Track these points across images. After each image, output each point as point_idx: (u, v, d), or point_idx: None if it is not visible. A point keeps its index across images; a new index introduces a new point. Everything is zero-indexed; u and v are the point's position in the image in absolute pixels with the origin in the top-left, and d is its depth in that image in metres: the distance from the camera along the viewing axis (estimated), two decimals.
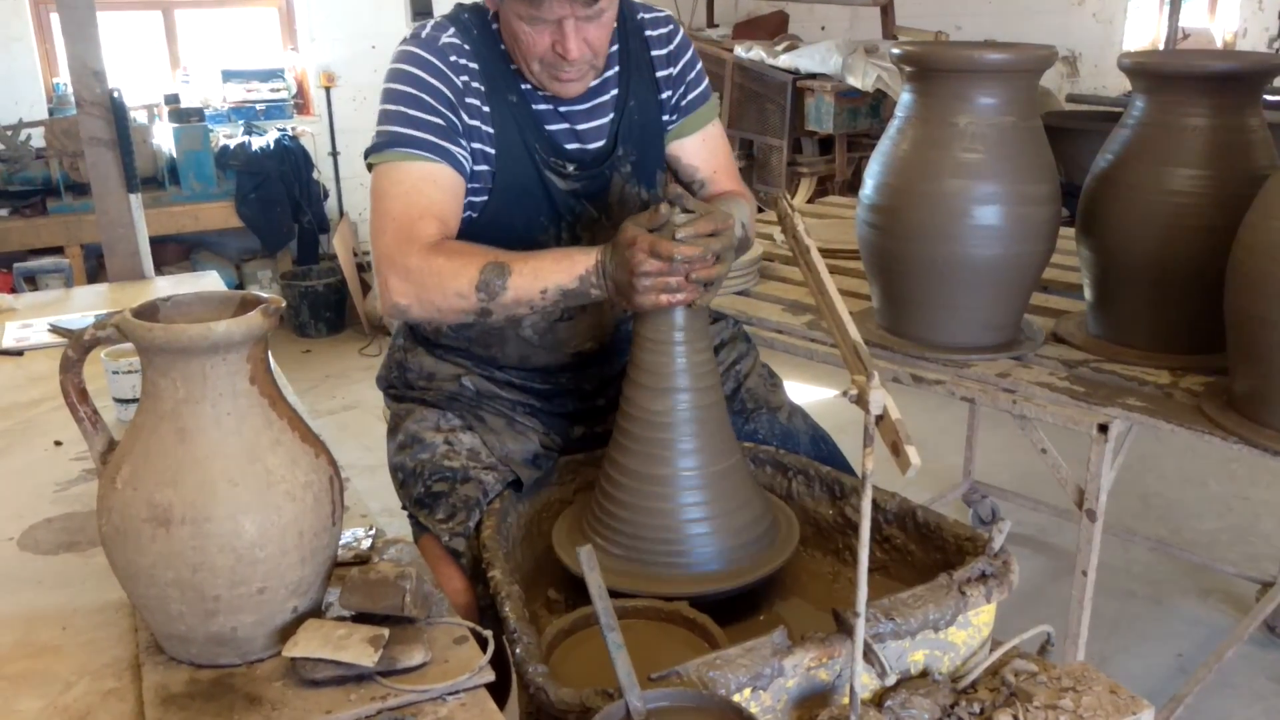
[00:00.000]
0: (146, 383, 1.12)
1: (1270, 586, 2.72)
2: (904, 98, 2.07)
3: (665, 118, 1.70)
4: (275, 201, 5.04)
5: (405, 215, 1.48)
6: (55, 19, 4.55)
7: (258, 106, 5.31)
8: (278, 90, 5.36)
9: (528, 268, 1.39)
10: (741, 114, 5.28)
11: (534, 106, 1.59)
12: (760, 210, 4.76)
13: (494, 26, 1.58)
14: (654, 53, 1.68)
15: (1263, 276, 1.66)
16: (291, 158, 5.08)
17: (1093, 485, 1.88)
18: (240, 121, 5.24)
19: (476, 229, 1.57)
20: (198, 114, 4.95)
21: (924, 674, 1.26)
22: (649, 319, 1.42)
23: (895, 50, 2.04)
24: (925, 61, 2.00)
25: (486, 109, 1.56)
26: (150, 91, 5.16)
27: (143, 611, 1.17)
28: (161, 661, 1.17)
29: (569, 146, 1.62)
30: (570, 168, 1.61)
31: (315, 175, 5.28)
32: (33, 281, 4.61)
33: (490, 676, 1.15)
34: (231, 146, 5.01)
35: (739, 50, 5.26)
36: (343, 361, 4.97)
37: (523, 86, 1.58)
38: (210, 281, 2.80)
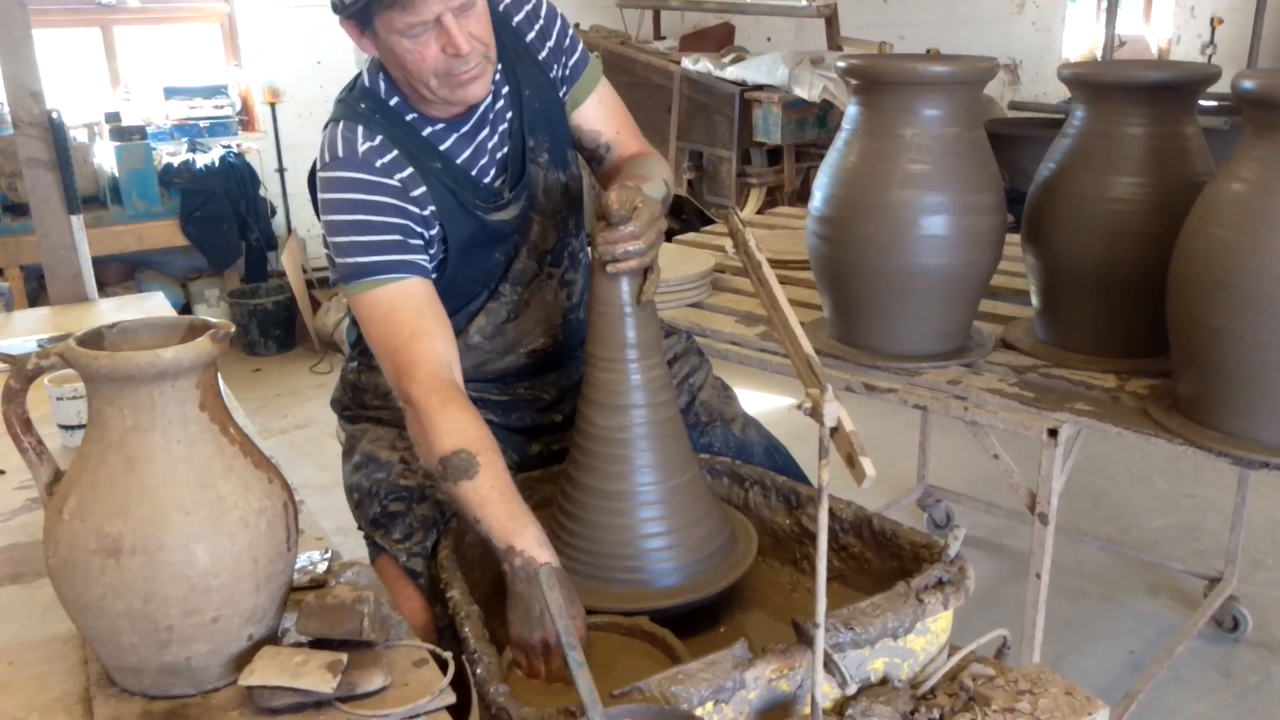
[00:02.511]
0: (93, 411, 1.10)
1: (1217, 582, 2.78)
2: (850, 110, 2.09)
3: (560, 92, 1.69)
4: (221, 219, 4.97)
5: (392, 344, 1.47)
6: None
7: (201, 123, 5.23)
8: (222, 107, 5.29)
9: (479, 495, 1.36)
10: (690, 125, 5.30)
11: (457, 162, 1.59)
12: (710, 221, 4.80)
13: (392, 102, 1.55)
14: (528, 38, 1.67)
15: (1202, 282, 1.70)
16: (237, 174, 5.01)
17: (1044, 489, 1.91)
18: (184, 139, 5.15)
19: (440, 287, 1.55)
20: (139, 132, 4.86)
21: (884, 681, 1.28)
22: (599, 329, 1.44)
23: (840, 64, 2.07)
24: (870, 75, 2.02)
25: (423, 189, 1.54)
26: (90, 109, 5.06)
27: (93, 643, 1.15)
28: (113, 694, 1.15)
29: (499, 183, 1.62)
30: (506, 195, 1.62)
31: (262, 192, 5.21)
32: None
33: (451, 698, 1.14)
34: (175, 164, 4.93)
35: (686, 62, 5.28)
36: (294, 379, 4.90)
37: (440, 149, 1.57)
38: (156, 303, 2.75)
